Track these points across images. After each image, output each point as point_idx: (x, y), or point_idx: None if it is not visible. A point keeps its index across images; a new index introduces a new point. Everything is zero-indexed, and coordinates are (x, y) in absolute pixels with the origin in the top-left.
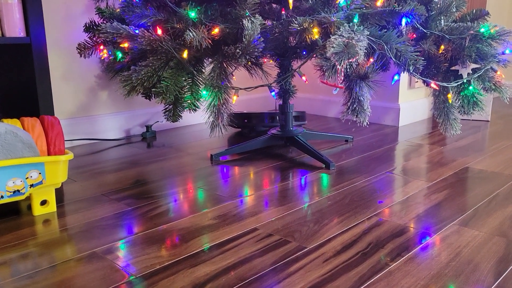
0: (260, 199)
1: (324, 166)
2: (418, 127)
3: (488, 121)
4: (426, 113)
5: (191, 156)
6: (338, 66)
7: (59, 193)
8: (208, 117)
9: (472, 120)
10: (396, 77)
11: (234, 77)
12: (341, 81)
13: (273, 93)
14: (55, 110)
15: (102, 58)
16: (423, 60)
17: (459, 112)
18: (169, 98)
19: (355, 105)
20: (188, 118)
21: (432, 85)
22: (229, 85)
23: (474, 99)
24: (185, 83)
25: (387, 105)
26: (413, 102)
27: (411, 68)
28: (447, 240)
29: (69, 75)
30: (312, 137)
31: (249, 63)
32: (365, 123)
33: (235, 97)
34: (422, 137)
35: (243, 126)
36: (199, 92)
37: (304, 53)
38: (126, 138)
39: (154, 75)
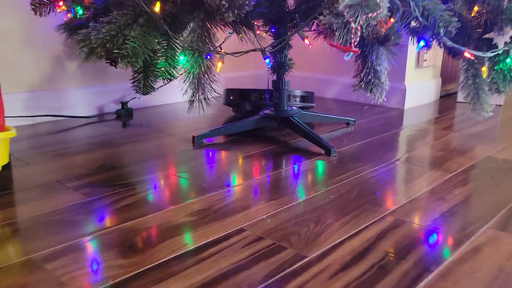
0: (248, 191)
1: (323, 152)
2: (425, 110)
3: (500, 105)
4: (434, 95)
5: (172, 138)
6: (353, 24)
7: (4, 179)
8: (186, 89)
9: None
10: (421, 43)
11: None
12: (355, 44)
13: (267, 60)
14: (13, 81)
15: (66, 18)
16: (457, 21)
17: (489, 90)
18: (136, 63)
19: (370, 77)
20: (170, 95)
21: (466, 54)
22: (213, 49)
23: None
24: (158, 46)
25: (391, 85)
26: (420, 83)
27: (441, 31)
28: (484, 249)
29: (30, 40)
30: (310, 118)
31: (239, 26)
32: (381, 100)
33: (219, 64)
34: (431, 122)
35: (237, 104)
36: (176, 57)
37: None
38: (98, 115)
39: (119, 35)
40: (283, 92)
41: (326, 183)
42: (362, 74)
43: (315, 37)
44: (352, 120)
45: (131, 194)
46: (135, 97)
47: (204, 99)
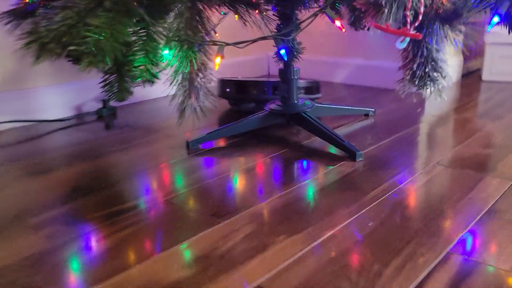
0: (261, 220)
1: (347, 155)
2: (449, 93)
3: None
4: (456, 74)
5: (162, 143)
6: None
7: None
8: (174, 94)
9: (501, 82)
10: (495, 19)
11: (217, 34)
12: (413, 26)
13: (283, 51)
14: None
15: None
16: None
17: None
18: (102, 63)
19: (426, 68)
20: (160, 89)
21: None
22: (208, 40)
23: None
24: (133, 38)
25: None
26: None
27: None
28: None
29: None
30: (323, 111)
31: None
32: (439, 99)
33: (218, 60)
34: (460, 108)
35: (228, 96)
36: (158, 51)
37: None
38: (76, 117)
39: (79, 24)
40: (293, 83)
41: (358, 203)
42: (415, 65)
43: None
44: (371, 111)
45: (108, 234)
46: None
47: (200, 107)
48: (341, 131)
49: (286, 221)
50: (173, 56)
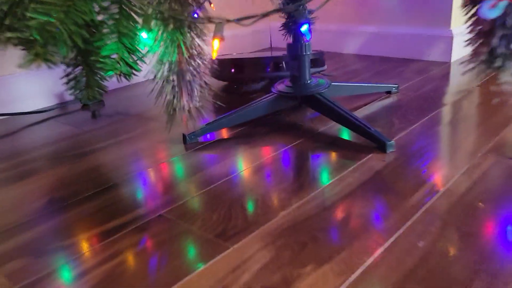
0: (279, 243)
1: (375, 145)
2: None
3: None
4: None
5: (156, 136)
6: None
7: None
8: (160, 91)
9: None
10: None
11: (212, 5)
12: None
13: (305, 27)
14: None
15: None
16: None
17: None
18: (56, 55)
19: (509, 44)
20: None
21: None
22: (203, 16)
23: None
24: (99, 17)
25: (432, 32)
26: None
27: None
28: None
29: None
30: (338, 90)
31: None
32: None
33: (216, 43)
34: (493, 81)
35: (231, 78)
36: (135, 34)
37: None
38: (59, 106)
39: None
40: (304, 60)
41: (398, 213)
42: (495, 40)
43: None
44: (394, 87)
45: (85, 270)
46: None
47: (197, 108)
48: (360, 114)
49: (311, 242)
50: (154, 40)
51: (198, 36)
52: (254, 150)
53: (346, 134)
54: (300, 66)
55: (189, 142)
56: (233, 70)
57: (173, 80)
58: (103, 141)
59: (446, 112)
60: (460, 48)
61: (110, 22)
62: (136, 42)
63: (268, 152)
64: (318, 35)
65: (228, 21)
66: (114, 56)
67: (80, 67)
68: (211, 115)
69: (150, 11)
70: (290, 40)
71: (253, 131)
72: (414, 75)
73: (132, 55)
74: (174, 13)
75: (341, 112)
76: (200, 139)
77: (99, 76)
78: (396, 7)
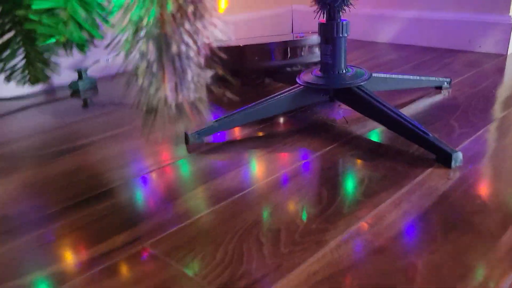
0: None
1: (435, 157)
2: None
3: None
4: None
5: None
6: None
7: None
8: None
9: None
10: None
11: None
12: None
13: None
14: None
15: None
16: None
17: None
18: None
19: None
20: None
21: None
22: None
23: None
24: None
25: (485, 18)
26: None
27: None
28: None
29: None
30: (380, 84)
31: None
32: None
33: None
34: None
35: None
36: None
37: None
38: (45, 93)
39: None
40: (339, 42)
41: (488, 265)
42: None
43: None
44: (446, 82)
45: None
46: (98, 60)
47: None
48: (407, 113)
49: None
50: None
51: None
52: (273, 156)
53: (392, 139)
54: (334, 51)
55: (193, 142)
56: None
57: (149, 57)
58: (88, 137)
59: None
60: None
61: None
62: (92, 8)
63: (291, 161)
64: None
65: None
66: (61, 13)
67: (11, 32)
68: (221, 109)
69: None
70: (323, 18)
71: (272, 132)
72: (465, 68)
73: (89, 12)
74: None
75: (387, 111)
76: (207, 139)
77: (39, 54)
78: None
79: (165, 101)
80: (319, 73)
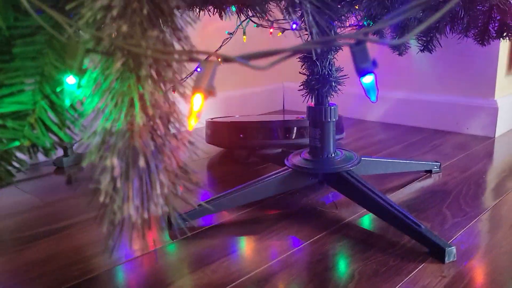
0: None
1: (427, 250)
2: None
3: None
4: None
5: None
6: None
7: None
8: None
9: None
10: None
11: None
12: None
13: (369, 78)
14: None
15: None
16: None
17: None
18: None
19: None
20: None
21: None
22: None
23: None
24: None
25: (472, 101)
26: (511, 97)
27: None
28: None
29: None
30: (368, 168)
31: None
32: None
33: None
34: None
35: (236, 145)
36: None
37: None
38: (28, 169)
39: None
40: (328, 127)
41: None
42: None
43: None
44: (436, 166)
45: None
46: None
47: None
48: (397, 199)
49: None
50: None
51: (169, 85)
52: (259, 246)
53: (384, 228)
54: (322, 135)
55: (177, 228)
56: (241, 135)
57: (115, 168)
58: (68, 219)
59: (511, 203)
60: (504, 120)
61: (30, 56)
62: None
63: (278, 250)
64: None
65: (226, 59)
66: (29, 115)
67: None
68: (207, 191)
69: (83, 35)
70: (312, 102)
71: (260, 216)
72: (454, 151)
73: (59, 114)
74: (126, 42)
75: (377, 199)
76: (191, 223)
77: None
78: (429, 71)
79: (128, 217)
80: (307, 156)
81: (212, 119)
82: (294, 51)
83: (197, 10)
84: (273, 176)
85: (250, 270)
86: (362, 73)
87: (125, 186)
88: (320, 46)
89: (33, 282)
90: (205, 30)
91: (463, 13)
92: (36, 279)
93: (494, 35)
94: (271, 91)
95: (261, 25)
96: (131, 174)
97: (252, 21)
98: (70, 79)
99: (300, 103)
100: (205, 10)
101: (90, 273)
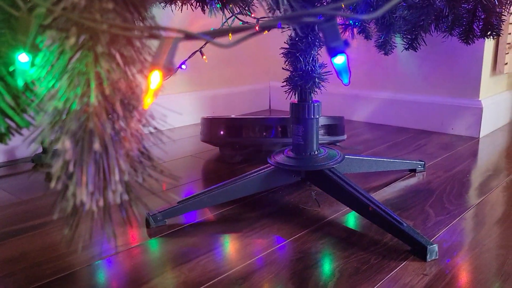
0: None
1: (409, 248)
2: (508, 139)
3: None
4: (509, 115)
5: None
6: None
7: None
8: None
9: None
10: None
11: (204, 57)
12: None
13: (340, 59)
14: None
15: None
16: None
17: None
18: None
19: None
20: None
21: None
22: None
23: None
24: None
25: (457, 102)
26: (496, 97)
27: None
28: None
29: None
30: (352, 166)
31: None
32: None
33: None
34: None
35: (224, 143)
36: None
37: None
38: (5, 165)
39: None
40: (311, 124)
41: None
42: None
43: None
44: (420, 165)
45: None
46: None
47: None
48: (381, 197)
49: None
50: (44, 69)
51: (128, 64)
52: (240, 244)
53: (366, 226)
54: (305, 132)
55: (154, 225)
56: (220, 132)
57: (68, 152)
58: (43, 216)
59: (495, 201)
60: (488, 120)
61: None
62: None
63: (258, 248)
64: (322, 98)
65: (189, 35)
66: None
67: None
68: (187, 189)
69: (36, 10)
70: (295, 99)
71: (241, 214)
72: (439, 150)
73: (15, 97)
74: (81, 15)
75: (359, 197)
76: (170, 221)
77: None
78: (414, 72)
79: (82, 203)
80: (290, 154)
81: (207, 117)
82: (262, 28)
83: (179, 3)
84: (255, 174)
85: (228, 268)
86: (333, 52)
87: (78, 170)
88: (288, 22)
89: (3, 280)
90: (191, 28)
91: (447, 11)
92: (6, 277)
93: (479, 34)
94: (258, 90)
95: (247, 23)
96: (85, 158)
97: (238, 18)
98: (23, 57)
99: (286, 102)
100: (187, 3)
101: (62, 271)
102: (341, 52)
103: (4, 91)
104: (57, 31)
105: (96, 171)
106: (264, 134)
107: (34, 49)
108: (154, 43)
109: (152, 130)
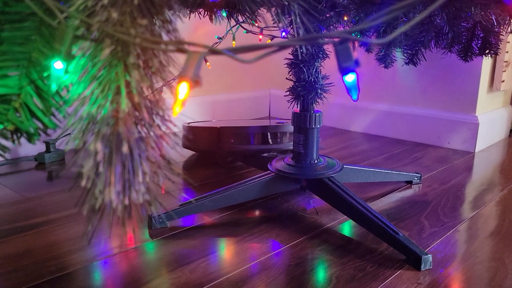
0: None
1: (404, 257)
2: (503, 155)
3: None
4: (505, 130)
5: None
6: None
7: None
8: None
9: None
10: None
11: (207, 63)
12: None
13: (351, 77)
14: None
15: None
16: None
17: None
18: None
19: None
20: None
21: None
22: (171, 41)
23: None
24: None
25: (453, 116)
26: (493, 113)
27: None
28: None
29: None
30: (350, 176)
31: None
32: None
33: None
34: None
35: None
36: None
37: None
38: (9, 163)
39: None
40: (312, 133)
41: None
42: None
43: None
44: (417, 177)
45: None
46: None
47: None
48: (377, 208)
49: None
50: (77, 76)
51: (156, 75)
52: (239, 248)
53: (363, 235)
54: (306, 141)
55: (156, 227)
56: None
57: (97, 154)
58: (46, 214)
59: (488, 215)
60: (484, 135)
61: (17, 41)
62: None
63: (257, 253)
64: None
65: (214, 51)
66: (15, 99)
67: None
68: (189, 192)
69: (71, 21)
70: (297, 108)
71: (240, 219)
72: (435, 163)
73: (44, 100)
74: (116, 29)
75: (357, 206)
76: (172, 223)
77: None
78: (413, 86)
79: (109, 203)
80: (291, 162)
81: (189, 123)
82: (280, 47)
83: (188, 11)
84: (256, 180)
85: (228, 271)
86: (344, 71)
87: (107, 171)
88: (305, 43)
89: (8, 276)
90: (196, 34)
91: (447, 28)
92: (10, 273)
93: (477, 51)
94: (258, 97)
95: (251, 32)
96: (114, 160)
97: (242, 27)
98: (58, 64)
99: (286, 110)
100: (196, 12)
101: (66, 269)
102: (352, 71)
103: (35, 94)
104: (91, 42)
105: (122, 172)
106: (242, 141)
107: (68, 57)
108: (176, 56)
109: (170, 135)
